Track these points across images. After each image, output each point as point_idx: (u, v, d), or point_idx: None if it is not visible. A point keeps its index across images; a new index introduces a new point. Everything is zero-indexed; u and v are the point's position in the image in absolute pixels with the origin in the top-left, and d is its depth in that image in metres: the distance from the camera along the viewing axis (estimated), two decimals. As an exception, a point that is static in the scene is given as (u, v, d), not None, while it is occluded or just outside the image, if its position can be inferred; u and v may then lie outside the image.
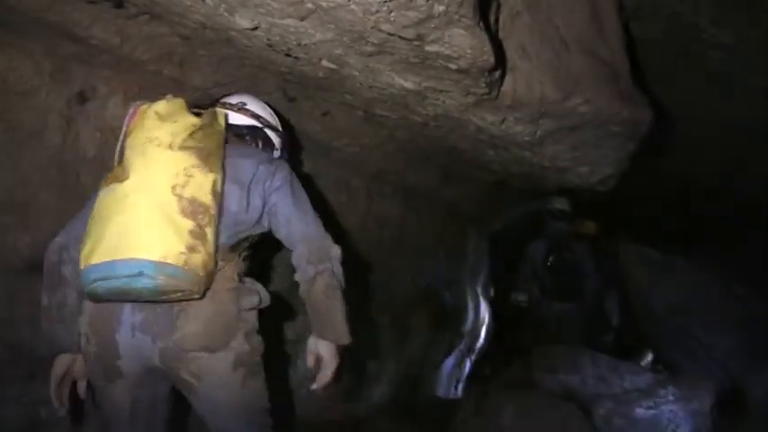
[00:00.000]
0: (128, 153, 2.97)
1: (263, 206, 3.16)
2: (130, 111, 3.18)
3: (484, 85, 3.75)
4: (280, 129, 3.79)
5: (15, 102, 3.78)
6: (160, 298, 2.81)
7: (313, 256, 3.07)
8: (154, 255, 2.65)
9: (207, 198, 2.85)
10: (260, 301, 3.12)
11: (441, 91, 3.92)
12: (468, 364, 9.87)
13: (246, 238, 3.19)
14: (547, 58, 4.21)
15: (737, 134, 6.87)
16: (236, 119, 3.58)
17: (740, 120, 6.54)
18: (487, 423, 5.69)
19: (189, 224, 2.76)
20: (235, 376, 2.96)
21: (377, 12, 3.01)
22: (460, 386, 9.03)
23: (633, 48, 5.34)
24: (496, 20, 3.85)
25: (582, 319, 8.38)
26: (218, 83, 4.37)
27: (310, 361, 3.10)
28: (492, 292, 11.18)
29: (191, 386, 2.96)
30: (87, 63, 4.02)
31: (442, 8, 2.97)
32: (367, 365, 6.80)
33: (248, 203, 3.11)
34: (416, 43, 3.27)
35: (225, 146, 3.13)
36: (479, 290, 10.73)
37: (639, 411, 5.67)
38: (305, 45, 3.54)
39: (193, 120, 3.09)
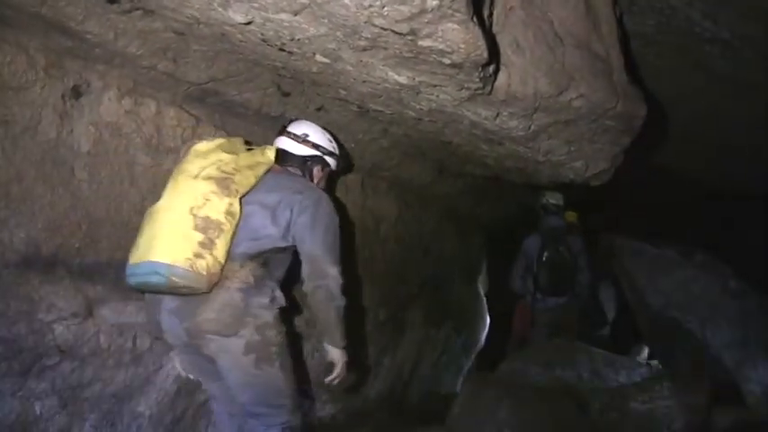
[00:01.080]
0: (169, 182, 3.81)
1: (288, 226, 3.87)
2: (182, 149, 4.13)
3: (477, 79, 3.76)
4: (336, 152, 4.57)
5: (9, 96, 3.77)
6: (174, 291, 3.59)
7: (313, 274, 3.86)
8: (166, 259, 3.44)
9: (221, 217, 3.61)
10: (271, 301, 3.82)
11: (434, 86, 3.93)
12: (463, 359, 9.89)
13: (270, 250, 3.87)
14: (541, 53, 4.21)
15: (732, 128, 6.88)
16: (300, 149, 4.38)
17: (735, 114, 6.55)
18: (484, 418, 5.69)
19: (199, 237, 3.52)
20: (246, 360, 3.69)
21: (370, 6, 3.02)
22: (457, 381, 9.04)
23: (627, 42, 5.34)
24: (490, 14, 3.86)
25: (577, 313, 8.38)
26: (212, 78, 4.37)
27: (325, 361, 4.11)
28: (487, 287, 11.21)
29: (213, 361, 3.79)
30: (82, 58, 4.02)
31: (435, 3, 2.97)
32: (364, 361, 6.81)
33: (272, 223, 3.84)
34: (410, 38, 3.28)
35: (265, 175, 3.97)
36: (475, 285, 10.75)
37: (635, 406, 5.69)
38: (298, 40, 3.55)
39: (223, 156, 3.85)
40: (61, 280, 4.13)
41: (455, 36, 3.24)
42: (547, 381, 6.22)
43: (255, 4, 3.22)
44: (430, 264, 8.50)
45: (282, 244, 3.89)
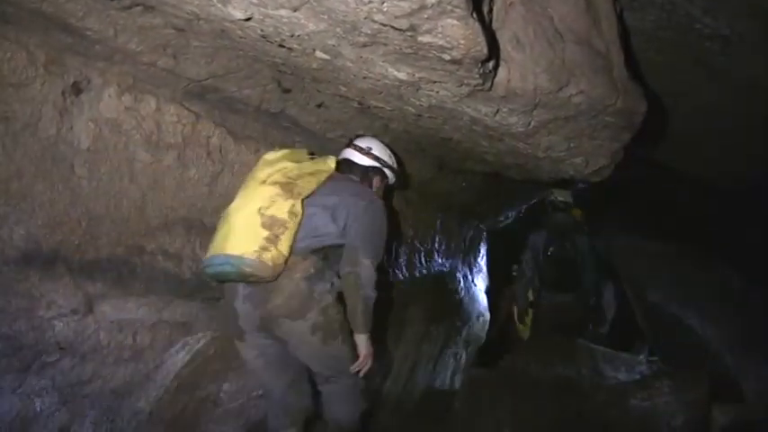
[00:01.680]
0: (241, 187, 4.40)
1: (345, 225, 4.39)
2: (255, 159, 4.80)
3: (477, 75, 3.75)
4: (395, 167, 5.12)
5: (9, 93, 3.78)
6: (245, 279, 4.16)
7: (348, 261, 4.33)
8: (237, 251, 4.00)
9: (284, 216, 4.14)
10: (332, 286, 4.38)
11: (434, 82, 3.93)
12: (464, 356, 9.90)
13: (330, 245, 4.39)
14: (541, 49, 4.20)
15: (733, 126, 6.87)
16: (363, 160, 4.94)
17: (736, 111, 6.54)
18: (484, 414, 5.70)
19: (265, 233, 4.06)
20: (314, 338, 4.26)
21: (369, 2, 3.02)
22: (457, 377, 9.05)
23: (627, 38, 5.34)
24: (490, 10, 3.85)
25: (580, 310, 8.38)
26: (212, 74, 4.37)
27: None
28: (489, 284, 11.21)
29: (285, 342, 4.34)
30: (82, 54, 4.03)
31: (434, -2, 2.97)
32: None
33: (331, 222, 4.37)
34: (409, 34, 3.27)
35: (326, 181, 4.46)
36: (476, 281, 10.76)
37: (635, 403, 5.70)
38: (298, 36, 3.55)
39: (287, 164, 4.41)
40: (61, 277, 4.14)
41: (455, 32, 3.24)
42: (547, 377, 6.23)
43: (255, 0, 3.22)
44: (430, 260, 8.49)
45: (340, 241, 4.40)
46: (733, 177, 8.06)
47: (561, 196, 8.30)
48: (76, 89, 4.07)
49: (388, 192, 5.45)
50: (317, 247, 4.35)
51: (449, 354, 9.49)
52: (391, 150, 5.14)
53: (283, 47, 3.77)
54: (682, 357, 7.94)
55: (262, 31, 3.57)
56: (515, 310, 8.89)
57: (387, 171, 5.03)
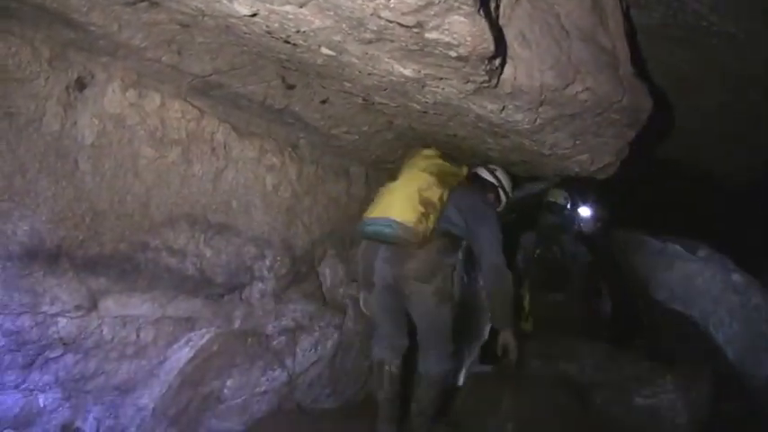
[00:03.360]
0: (402, 170, 5.44)
1: (467, 224, 5.31)
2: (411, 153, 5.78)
3: (483, 72, 3.73)
4: (509, 192, 6.12)
5: (14, 88, 3.78)
6: (395, 241, 5.06)
7: (486, 270, 5.33)
8: (399, 217, 4.92)
9: (435, 200, 5.13)
10: (455, 261, 5.47)
11: (440, 78, 3.91)
12: (466, 352, 9.87)
13: (455, 234, 5.35)
14: (547, 46, 4.19)
15: (737, 123, 6.86)
16: (487, 176, 6.04)
17: (739, 109, 6.53)
18: (486, 411, 5.68)
19: (421, 209, 4.99)
20: (432, 300, 5.19)
21: (376, -2, 3.00)
22: (459, 374, 9.02)
23: (633, 35, 5.32)
24: (496, 7, 3.82)
25: (576, 308, 8.34)
26: (216, 70, 4.37)
27: (498, 348, 5.48)
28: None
29: (408, 299, 5.29)
30: (86, 50, 4.03)
31: (442, -5, 2.96)
32: (368, 352, 6.82)
33: (459, 217, 5.30)
34: (416, 30, 3.26)
35: (458, 185, 5.44)
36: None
37: (638, 400, 5.68)
38: (304, 32, 3.53)
39: (439, 161, 5.46)
40: (65, 272, 4.14)
41: (461, 29, 3.23)
42: (550, 374, 6.20)
43: (261, -4, 3.21)
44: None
45: (462, 234, 5.37)
46: (738, 175, 8.05)
47: (553, 197, 8.25)
48: (80, 84, 4.07)
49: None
50: (449, 231, 5.28)
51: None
52: (511, 181, 6.20)
53: (288, 43, 3.75)
54: (685, 355, 7.92)
55: (267, 27, 3.56)
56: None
57: (501, 193, 6.06)
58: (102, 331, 4.37)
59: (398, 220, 4.92)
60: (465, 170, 5.70)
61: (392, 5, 3.05)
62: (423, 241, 5.04)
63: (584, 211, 8.77)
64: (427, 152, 5.59)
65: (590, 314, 8.35)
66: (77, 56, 4.04)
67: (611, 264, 8.94)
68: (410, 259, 5.16)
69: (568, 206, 8.27)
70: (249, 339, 5.38)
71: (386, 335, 5.66)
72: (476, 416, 5.77)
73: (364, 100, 4.78)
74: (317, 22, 3.38)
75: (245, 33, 3.75)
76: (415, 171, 5.32)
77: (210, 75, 4.41)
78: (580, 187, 7.84)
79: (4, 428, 4.02)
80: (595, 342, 6.81)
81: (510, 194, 6.13)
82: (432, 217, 5.06)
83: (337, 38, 3.55)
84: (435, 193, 5.15)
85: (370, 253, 5.47)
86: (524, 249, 8.41)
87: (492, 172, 6.05)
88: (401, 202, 5.03)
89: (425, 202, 5.04)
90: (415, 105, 4.61)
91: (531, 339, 6.94)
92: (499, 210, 5.96)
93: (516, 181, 6.47)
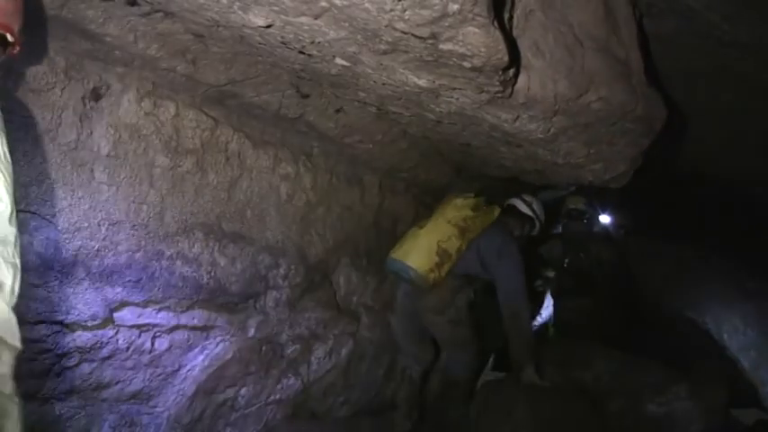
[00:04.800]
0: (432, 216, 6.19)
1: (486, 266, 6.10)
2: (444, 199, 6.44)
3: (498, 82, 3.74)
4: (542, 223, 6.83)
5: (30, 99, 3.79)
6: (411, 283, 5.96)
7: (504, 313, 5.98)
8: (414, 264, 5.82)
9: (453, 252, 5.94)
10: (467, 299, 6.24)
11: (454, 89, 3.91)
12: (482, 359, 9.85)
13: (472, 276, 6.21)
14: (560, 56, 4.19)
15: (751, 132, 6.84)
16: (525, 209, 6.70)
17: (754, 118, 6.51)
18: (501, 418, 5.68)
19: (436, 259, 5.84)
20: (447, 327, 6.24)
21: (391, 10, 3.01)
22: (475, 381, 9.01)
23: (647, 44, 5.32)
24: (510, 18, 3.83)
25: (602, 313, 8.30)
26: (231, 80, 4.38)
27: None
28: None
29: (428, 327, 6.35)
30: (101, 60, 4.04)
31: (456, 6, 2.96)
32: (381, 361, 6.82)
33: (475, 262, 6.10)
34: (430, 41, 3.26)
35: (487, 227, 6.20)
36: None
37: (652, 408, 5.66)
38: (318, 43, 3.54)
39: (469, 212, 6.13)
40: (80, 282, 4.16)
41: (476, 40, 3.23)
42: (564, 381, 6.20)
43: (276, 8, 3.21)
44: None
45: (482, 275, 6.19)
46: (751, 182, 8.03)
47: (574, 204, 8.22)
48: (96, 95, 4.09)
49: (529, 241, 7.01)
50: (464, 273, 6.10)
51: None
52: (543, 209, 6.87)
53: (303, 53, 3.76)
54: (699, 362, 7.90)
55: (282, 37, 3.57)
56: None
57: (537, 223, 6.77)
58: (117, 340, 4.38)
59: (413, 266, 5.80)
60: (497, 211, 6.45)
61: (407, 17, 3.06)
62: (435, 284, 5.91)
63: (607, 217, 8.78)
64: (458, 202, 6.23)
65: (615, 319, 8.33)
66: (93, 66, 4.06)
67: (628, 269, 8.93)
68: (426, 296, 6.07)
69: (590, 212, 8.26)
70: (264, 348, 5.40)
71: (410, 353, 6.67)
72: (490, 424, 5.77)
73: (378, 109, 4.79)
74: (332, 33, 3.39)
75: (260, 44, 3.76)
76: (441, 222, 6.06)
77: (225, 84, 4.43)
78: (598, 194, 7.83)
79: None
80: (610, 349, 6.79)
81: (543, 221, 6.85)
82: (446, 266, 5.91)
83: (352, 49, 3.56)
84: (453, 246, 5.95)
85: (395, 284, 6.46)
86: (551, 260, 8.37)
87: (529, 205, 6.74)
88: (419, 251, 5.89)
89: (442, 254, 5.88)
90: (428, 115, 4.61)
91: (548, 346, 6.94)
92: (534, 233, 6.87)
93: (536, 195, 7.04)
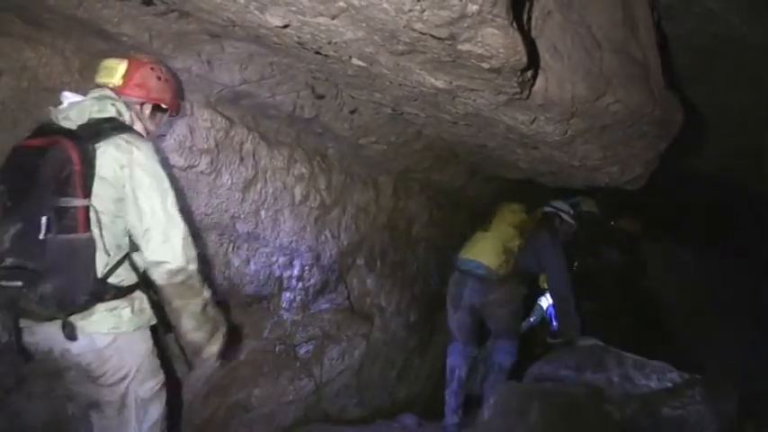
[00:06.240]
0: (493, 221, 6.88)
1: (540, 263, 6.84)
2: (497, 208, 7.22)
3: (516, 84, 3.72)
4: (575, 226, 7.40)
5: (45, 97, 3.79)
6: (480, 279, 6.60)
7: (553, 297, 7.32)
8: (486, 261, 6.55)
9: (515, 249, 6.66)
10: (524, 292, 7.07)
11: (472, 90, 3.89)
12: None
13: (529, 270, 6.99)
14: (578, 58, 4.17)
15: (768, 135, 6.82)
16: (562, 213, 7.25)
17: (772, 118, 6.49)
18: (514, 421, 5.66)
19: (503, 257, 6.57)
20: (507, 318, 6.90)
21: (409, 11, 2.98)
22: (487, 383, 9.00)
23: (665, 47, 5.29)
24: (528, 19, 3.81)
25: (608, 318, 8.29)
26: (246, 80, 4.38)
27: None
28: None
29: (489, 318, 6.89)
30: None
31: (475, 7, 2.93)
32: (394, 362, 6.83)
33: (532, 256, 6.77)
34: (449, 42, 3.24)
35: (536, 228, 6.89)
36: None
37: (666, 411, 5.63)
38: (335, 43, 3.53)
39: (523, 216, 6.93)
40: (93, 281, 4.14)
41: (495, 41, 3.20)
42: (577, 385, 6.17)
43: (293, 8, 3.19)
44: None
45: (535, 269, 7.05)
46: (766, 184, 7.98)
47: (587, 207, 8.17)
48: (111, 94, 4.09)
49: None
50: (524, 270, 6.87)
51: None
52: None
53: (319, 54, 3.75)
54: (712, 365, 7.87)
55: (298, 38, 3.55)
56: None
57: (573, 224, 7.37)
58: (130, 340, 4.37)
59: (486, 264, 6.60)
60: (540, 215, 7.22)
61: (425, 18, 3.03)
62: (502, 279, 6.66)
63: (621, 221, 8.77)
64: (513, 207, 7.10)
65: (626, 322, 8.32)
66: (108, 65, 4.05)
67: (641, 273, 8.91)
68: (492, 291, 6.72)
69: (602, 215, 8.22)
70: (277, 348, 5.39)
71: (460, 345, 7.07)
72: (503, 426, 5.75)
73: (393, 110, 4.78)
74: (349, 34, 3.37)
75: (276, 44, 3.75)
76: (503, 225, 6.86)
77: (240, 84, 4.42)
78: (611, 197, 7.80)
79: (34, 436, 4.04)
80: (623, 352, 6.77)
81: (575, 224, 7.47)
82: (511, 262, 6.67)
83: (369, 49, 3.54)
84: (515, 243, 6.73)
85: (460, 282, 6.89)
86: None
87: (566, 212, 7.36)
88: (489, 250, 6.67)
89: (506, 251, 6.67)
90: (445, 116, 4.60)
91: (560, 350, 6.93)
92: (571, 233, 7.43)
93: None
